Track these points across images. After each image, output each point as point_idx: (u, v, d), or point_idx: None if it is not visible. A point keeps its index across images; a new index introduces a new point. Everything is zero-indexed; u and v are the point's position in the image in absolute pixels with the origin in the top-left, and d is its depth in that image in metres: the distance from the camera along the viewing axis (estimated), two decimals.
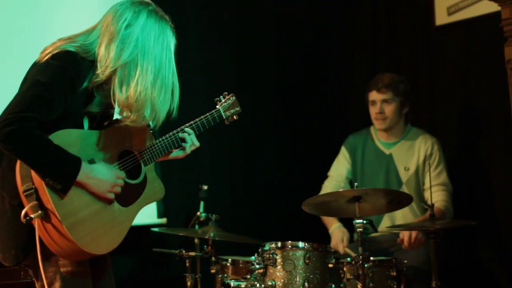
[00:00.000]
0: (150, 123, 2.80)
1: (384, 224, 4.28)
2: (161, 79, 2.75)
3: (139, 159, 2.85)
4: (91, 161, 2.67)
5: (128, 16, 2.73)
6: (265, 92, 5.30)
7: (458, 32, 4.71)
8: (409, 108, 4.43)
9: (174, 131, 2.97)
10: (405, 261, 3.76)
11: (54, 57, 2.62)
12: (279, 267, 3.34)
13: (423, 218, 3.92)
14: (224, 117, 3.17)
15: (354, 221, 3.34)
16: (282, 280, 3.32)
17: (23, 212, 2.56)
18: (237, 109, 3.21)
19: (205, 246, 4.03)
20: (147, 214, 4.64)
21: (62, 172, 2.55)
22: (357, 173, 4.48)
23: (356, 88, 5.22)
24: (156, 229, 4.21)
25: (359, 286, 3.29)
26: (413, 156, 4.35)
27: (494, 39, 4.04)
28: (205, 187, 4.29)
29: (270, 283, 3.32)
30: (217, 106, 3.18)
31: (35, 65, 2.67)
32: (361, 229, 3.32)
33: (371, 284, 3.38)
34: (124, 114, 2.76)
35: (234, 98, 3.21)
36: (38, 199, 2.56)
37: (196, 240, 4.19)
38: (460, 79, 4.69)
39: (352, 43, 5.44)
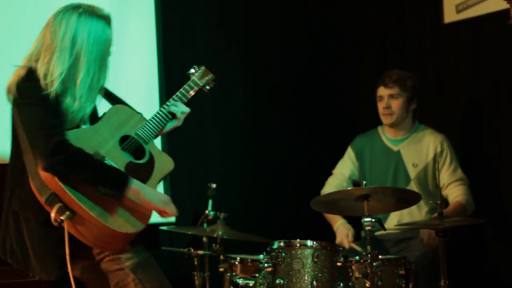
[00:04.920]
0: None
1: (391, 222, 4.27)
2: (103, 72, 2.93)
3: (138, 140, 2.96)
4: (96, 153, 2.77)
5: (61, 25, 2.82)
6: (273, 91, 5.30)
7: (466, 30, 4.69)
8: (417, 104, 4.43)
9: (160, 107, 3.13)
10: (413, 260, 3.76)
11: (19, 84, 2.74)
12: (287, 265, 3.34)
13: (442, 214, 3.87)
14: (201, 84, 3.34)
15: (362, 220, 3.34)
16: (290, 278, 3.32)
17: (52, 215, 2.63)
18: (210, 76, 3.40)
19: (214, 245, 4.03)
20: (155, 213, 4.64)
21: (114, 179, 2.74)
22: (366, 173, 4.47)
23: (365, 86, 5.21)
24: (164, 228, 4.21)
25: (367, 285, 3.28)
26: (422, 152, 4.35)
27: (503, 37, 4.03)
28: (214, 186, 4.29)
29: (278, 282, 3.32)
30: (191, 77, 3.33)
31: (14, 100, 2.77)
32: (369, 228, 3.32)
33: (379, 283, 3.37)
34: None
35: (204, 67, 3.39)
36: (61, 201, 2.64)
37: (204, 239, 4.19)
38: (469, 77, 4.68)
39: (361, 41, 5.43)
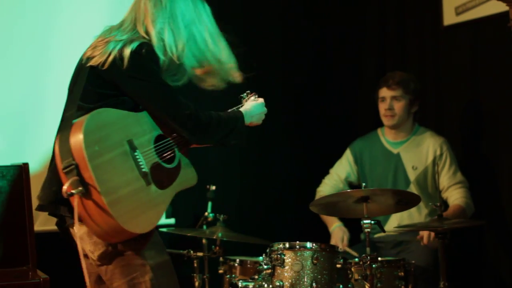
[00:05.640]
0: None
1: (391, 224, 4.27)
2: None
3: (174, 144, 2.91)
4: (130, 142, 2.68)
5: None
6: (273, 93, 5.27)
7: (466, 32, 4.69)
8: (418, 107, 4.44)
9: None
10: (413, 261, 3.77)
11: (138, 52, 2.73)
12: (287, 267, 3.34)
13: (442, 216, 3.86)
14: None
15: (362, 222, 3.34)
16: (290, 280, 3.32)
17: (64, 187, 2.50)
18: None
19: (213, 247, 4.03)
20: None
21: (237, 130, 3.10)
22: (366, 176, 4.48)
23: (364, 88, 5.21)
24: (164, 230, 4.20)
25: (367, 287, 3.29)
26: (422, 155, 4.35)
27: (502, 39, 4.03)
28: (213, 188, 4.29)
29: (278, 284, 3.32)
30: (243, 102, 3.38)
31: (116, 66, 2.70)
32: (369, 230, 3.33)
33: (379, 285, 3.38)
34: None
35: (256, 96, 3.39)
36: (79, 175, 2.51)
37: (204, 241, 4.19)
38: (468, 79, 4.68)
39: (360, 43, 5.43)
